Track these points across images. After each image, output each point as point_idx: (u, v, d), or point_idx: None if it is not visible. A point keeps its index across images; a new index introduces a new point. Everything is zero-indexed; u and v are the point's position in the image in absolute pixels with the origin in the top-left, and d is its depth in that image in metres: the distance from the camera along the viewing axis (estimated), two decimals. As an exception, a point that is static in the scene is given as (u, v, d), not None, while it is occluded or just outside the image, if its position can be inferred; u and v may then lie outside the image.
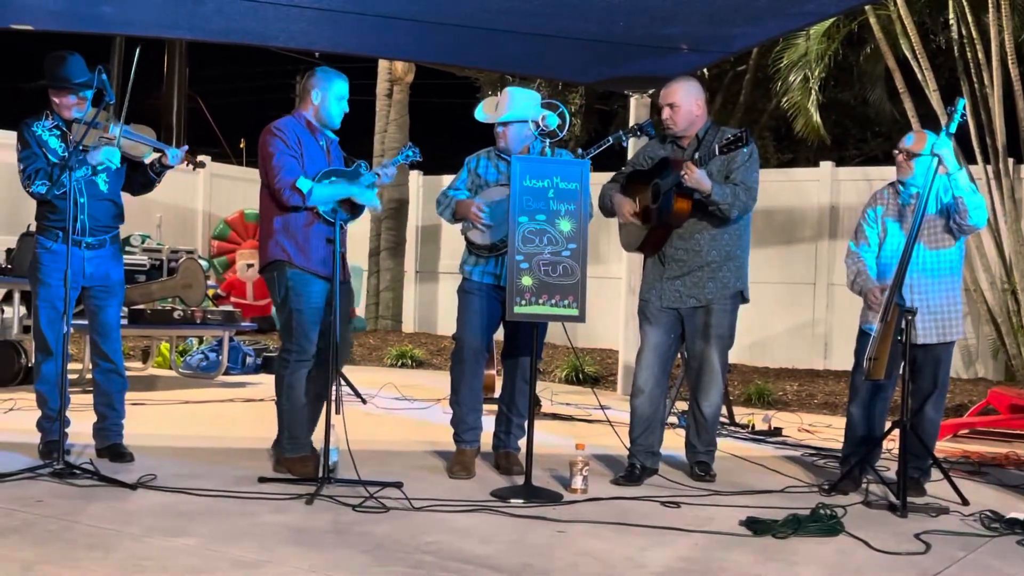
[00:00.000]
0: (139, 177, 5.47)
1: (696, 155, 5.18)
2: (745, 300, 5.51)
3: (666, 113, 5.37)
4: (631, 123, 8.98)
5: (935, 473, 5.27)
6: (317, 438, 5.02)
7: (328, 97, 5.13)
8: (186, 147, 5.47)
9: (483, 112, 5.56)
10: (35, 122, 5.23)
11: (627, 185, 5.57)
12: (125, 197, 5.49)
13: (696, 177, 5.07)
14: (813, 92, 12.19)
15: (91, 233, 5.26)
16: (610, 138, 5.78)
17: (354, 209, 5.16)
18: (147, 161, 5.45)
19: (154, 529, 4.05)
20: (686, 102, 5.34)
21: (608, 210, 5.64)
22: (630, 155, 9.14)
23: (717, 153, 5.13)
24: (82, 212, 5.20)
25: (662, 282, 5.43)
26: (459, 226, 5.56)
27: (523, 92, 5.51)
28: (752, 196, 5.28)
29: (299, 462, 5.11)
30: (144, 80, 5.28)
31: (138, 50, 5.19)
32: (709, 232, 5.34)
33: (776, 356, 11.82)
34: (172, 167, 5.44)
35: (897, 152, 5.30)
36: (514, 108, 5.38)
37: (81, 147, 5.11)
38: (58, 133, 5.24)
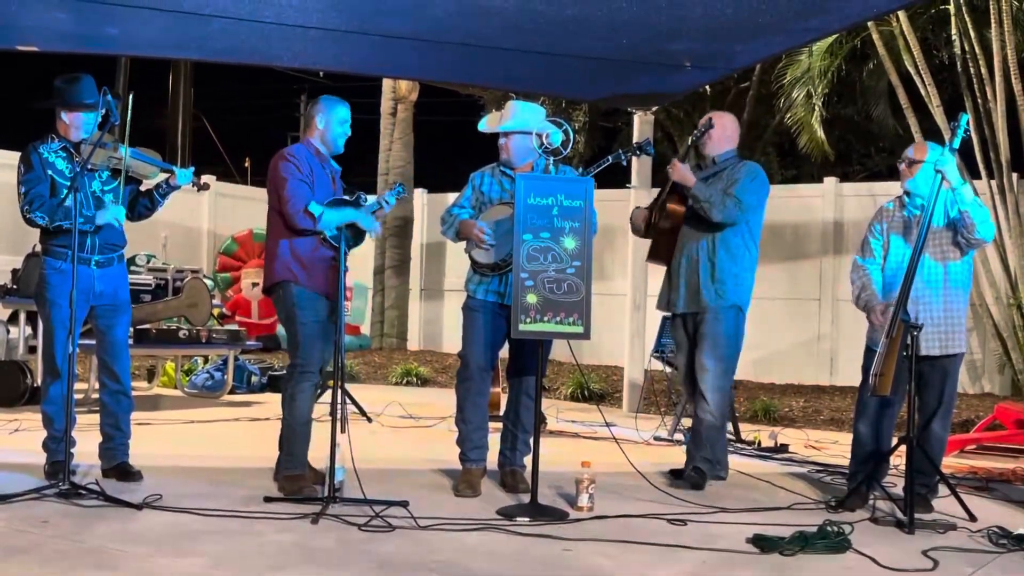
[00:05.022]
0: (144, 199, 5.50)
1: (685, 159, 5.76)
2: (742, 313, 5.74)
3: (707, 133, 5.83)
4: (634, 139, 9.01)
5: (942, 489, 5.25)
6: (319, 457, 5.02)
7: (332, 122, 5.28)
8: (192, 168, 5.54)
9: (485, 123, 5.59)
10: (41, 144, 5.25)
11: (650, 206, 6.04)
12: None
13: (679, 170, 5.64)
14: (816, 108, 12.22)
15: (100, 251, 5.28)
16: (610, 157, 5.82)
17: (357, 235, 5.25)
18: (154, 182, 5.50)
19: (160, 549, 4.05)
20: (721, 125, 5.82)
21: (639, 231, 6.08)
22: (633, 173, 9.21)
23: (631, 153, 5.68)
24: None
25: (670, 290, 5.86)
26: (463, 244, 5.58)
27: (527, 105, 5.54)
28: (740, 208, 5.60)
29: (292, 480, 5.12)
30: (150, 100, 5.35)
31: (131, 97, 5.24)
32: (708, 243, 5.69)
33: (782, 372, 11.80)
34: (180, 187, 5.49)
35: (900, 161, 5.34)
36: (516, 119, 5.41)
37: (90, 166, 5.15)
38: (64, 155, 5.26)
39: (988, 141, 10.32)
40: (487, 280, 5.42)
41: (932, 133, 10.48)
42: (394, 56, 7.84)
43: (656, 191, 6.19)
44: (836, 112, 14.24)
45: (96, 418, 5.46)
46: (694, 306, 5.69)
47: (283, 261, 5.17)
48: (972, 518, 4.94)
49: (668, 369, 8.00)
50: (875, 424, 5.32)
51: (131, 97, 5.21)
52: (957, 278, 5.21)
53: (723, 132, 5.83)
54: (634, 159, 7.72)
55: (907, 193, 5.30)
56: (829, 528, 4.46)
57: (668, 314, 6.11)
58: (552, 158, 5.24)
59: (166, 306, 9.07)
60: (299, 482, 5.09)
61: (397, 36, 7.06)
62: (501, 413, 5.81)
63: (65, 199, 5.04)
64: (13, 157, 5.94)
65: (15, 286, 8.27)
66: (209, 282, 9.86)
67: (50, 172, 5.20)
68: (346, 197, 5.28)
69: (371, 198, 5.39)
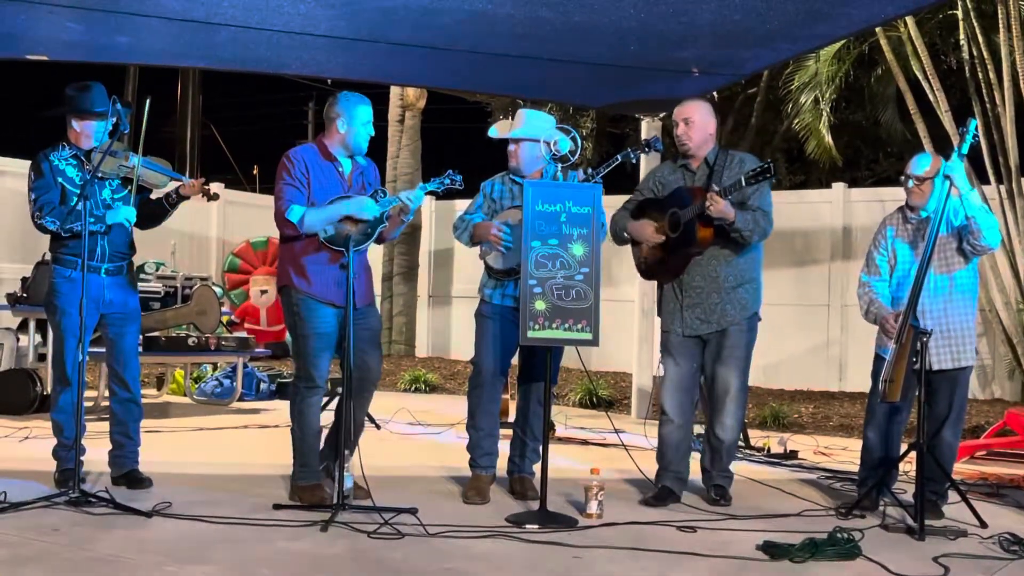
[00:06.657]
0: (154, 208, 5.51)
1: (714, 186, 5.23)
2: (758, 319, 5.55)
3: (681, 128, 5.42)
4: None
5: (953, 495, 5.23)
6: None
7: (354, 124, 5.10)
8: (202, 179, 5.53)
9: (495, 130, 5.58)
10: (52, 152, 5.27)
11: (639, 213, 5.60)
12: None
13: (722, 208, 5.11)
14: (824, 114, 12.21)
15: (110, 259, 5.30)
16: (619, 156, 5.77)
17: (366, 233, 5.06)
18: (164, 190, 5.50)
19: (170, 557, 4.05)
20: (700, 119, 5.42)
21: (622, 239, 5.67)
22: (642, 172, 9.18)
23: (743, 185, 5.14)
24: (102, 238, 5.24)
25: (682, 311, 5.45)
26: (474, 251, 5.57)
27: (536, 113, 5.53)
28: (769, 221, 5.33)
29: (309, 490, 5.11)
30: (159, 108, 5.33)
31: (148, 102, 5.23)
32: (725, 258, 5.38)
33: (791, 378, 11.78)
34: (189, 197, 5.49)
35: (905, 178, 5.25)
36: (526, 126, 5.40)
37: (100, 174, 5.16)
38: (75, 163, 5.28)
39: (997, 146, 10.28)
40: (502, 284, 5.41)
41: (941, 139, 10.45)
42: (402, 64, 7.85)
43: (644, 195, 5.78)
44: (844, 117, 14.22)
45: (106, 426, 5.47)
46: (718, 324, 5.38)
47: (284, 266, 5.16)
48: (983, 524, 4.92)
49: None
50: (885, 430, 5.30)
51: (148, 104, 5.20)
52: (963, 287, 5.19)
53: (704, 131, 5.41)
54: (643, 160, 7.68)
55: (911, 208, 5.28)
56: (839, 535, 4.45)
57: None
58: (560, 165, 5.24)
59: (175, 314, 9.09)
60: (318, 492, 5.09)
61: (405, 44, 7.07)
62: (510, 420, 5.81)
63: (75, 206, 5.06)
64: (23, 166, 5.96)
65: (25, 294, 8.29)
66: (218, 289, 9.87)
67: (60, 180, 5.22)
68: (350, 196, 5.08)
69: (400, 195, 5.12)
